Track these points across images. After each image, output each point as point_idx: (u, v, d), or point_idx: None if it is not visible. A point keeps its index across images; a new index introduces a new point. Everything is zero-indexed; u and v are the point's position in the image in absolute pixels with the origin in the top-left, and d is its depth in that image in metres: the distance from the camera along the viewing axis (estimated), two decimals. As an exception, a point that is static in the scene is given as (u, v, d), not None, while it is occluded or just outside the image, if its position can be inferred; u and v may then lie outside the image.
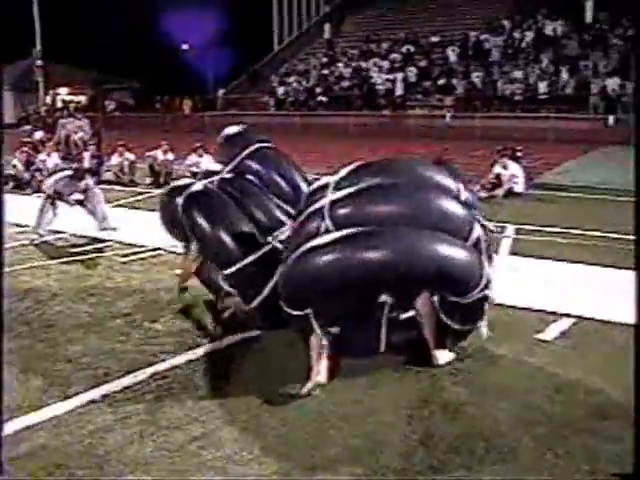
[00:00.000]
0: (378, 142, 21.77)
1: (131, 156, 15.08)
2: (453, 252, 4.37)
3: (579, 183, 13.35)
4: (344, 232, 4.36)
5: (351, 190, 4.53)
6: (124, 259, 7.95)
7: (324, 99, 29.75)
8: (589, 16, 27.18)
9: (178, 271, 6.67)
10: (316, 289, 4.42)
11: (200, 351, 5.11)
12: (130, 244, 8.63)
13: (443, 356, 4.79)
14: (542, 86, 24.83)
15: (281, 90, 31.98)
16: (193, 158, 13.92)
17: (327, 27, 36.18)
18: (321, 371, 4.46)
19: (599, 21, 26.75)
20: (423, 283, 4.53)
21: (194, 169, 12.52)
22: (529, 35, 27.62)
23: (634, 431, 2.65)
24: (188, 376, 4.66)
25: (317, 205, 4.60)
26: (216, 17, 36.30)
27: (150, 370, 4.75)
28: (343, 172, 4.74)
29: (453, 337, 4.90)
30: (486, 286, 4.58)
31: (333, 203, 4.50)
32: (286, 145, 7.06)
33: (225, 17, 36.58)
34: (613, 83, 23.19)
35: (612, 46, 24.94)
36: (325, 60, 33.02)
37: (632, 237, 7.66)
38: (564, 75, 24.75)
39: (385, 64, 30.16)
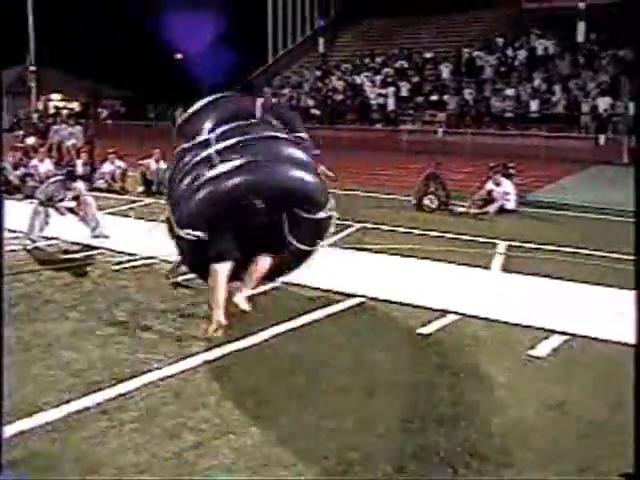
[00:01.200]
0: (371, 156, 21.91)
1: (122, 164, 15.08)
2: (306, 175, 5.65)
3: (570, 201, 13.43)
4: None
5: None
6: (116, 267, 7.93)
7: (317, 112, 29.82)
8: (581, 36, 27.47)
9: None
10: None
11: (194, 360, 5.10)
12: (122, 252, 8.60)
13: (243, 303, 5.58)
14: (534, 104, 25.02)
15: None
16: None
17: (321, 41, 36.37)
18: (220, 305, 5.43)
19: (590, 41, 27.05)
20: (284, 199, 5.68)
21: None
22: (522, 54, 27.88)
23: (634, 431, 2.68)
24: (182, 385, 4.66)
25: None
26: (210, 27, 36.33)
27: (144, 378, 4.74)
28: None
29: (295, 258, 6.13)
30: (330, 209, 5.86)
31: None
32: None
33: (219, 28, 36.63)
34: (604, 103, 23.39)
35: (603, 66, 25.20)
36: (319, 73, 33.17)
37: (621, 256, 7.75)
38: (556, 94, 24.95)
39: (378, 78, 30.32)
